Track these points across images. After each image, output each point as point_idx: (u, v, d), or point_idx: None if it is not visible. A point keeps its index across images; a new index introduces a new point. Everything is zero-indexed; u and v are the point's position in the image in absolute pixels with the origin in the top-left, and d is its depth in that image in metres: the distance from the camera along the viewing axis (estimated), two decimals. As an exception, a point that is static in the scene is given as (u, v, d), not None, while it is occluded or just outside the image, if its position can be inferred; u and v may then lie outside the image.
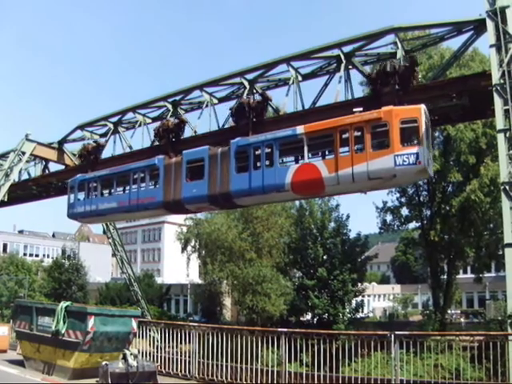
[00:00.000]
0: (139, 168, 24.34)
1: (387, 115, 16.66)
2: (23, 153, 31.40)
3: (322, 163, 18.14)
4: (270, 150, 19.62)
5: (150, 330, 18.90)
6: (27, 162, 32.76)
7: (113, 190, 26.12)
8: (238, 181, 20.24)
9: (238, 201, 21.58)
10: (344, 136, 17.60)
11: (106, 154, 29.55)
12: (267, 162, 19.79)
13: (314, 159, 18.71)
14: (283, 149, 19.39)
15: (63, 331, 15.42)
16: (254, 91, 23.61)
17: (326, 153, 18.96)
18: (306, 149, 18.47)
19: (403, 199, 48.30)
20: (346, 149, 17.52)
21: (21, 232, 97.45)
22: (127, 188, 25.20)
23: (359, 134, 17.26)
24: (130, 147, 28.02)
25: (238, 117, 22.14)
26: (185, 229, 56.32)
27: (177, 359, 17.16)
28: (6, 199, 31.05)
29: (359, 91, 41.02)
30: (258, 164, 20.11)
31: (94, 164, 27.90)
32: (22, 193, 35.48)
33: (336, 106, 20.40)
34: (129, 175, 24.66)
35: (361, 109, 17.79)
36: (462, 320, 60.94)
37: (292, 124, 19.79)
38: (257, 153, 20.07)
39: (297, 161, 19.38)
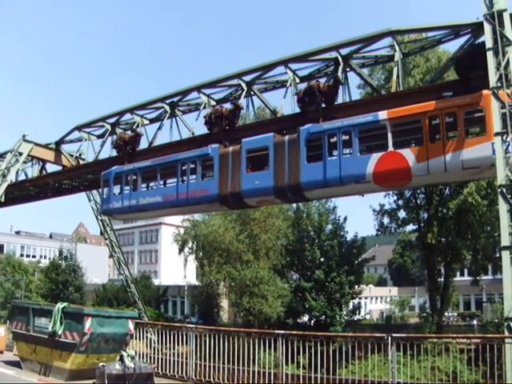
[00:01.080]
0: (189, 158, 22.47)
1: (485, 100, 15.42)
2: (20, 153, 31.31)
3: (409, 151, 16.82)
4: (347, 137, 18.13)
5: (147, 332, 18.86)
6: (24, 162, 32.63)
7: (157, 183, 24.20)
8: (309, 171, 18.58)
9: (309, 193, 20.03)
10: (434, 122, 16.51)
11: (103, 154, 29.60)
12: (345, 151, 18.33)
13: (399, 147, 17.22)
14: (363, 136, 17.93)
15: (60, 332, 15.40)
16: (252, 93, 23.66)
17: (413, 140, 17.79)
18: (389, 136, 17.10)
19: (400, 202, 48.37)
20: (437, 136, 16.46)
21: (18, 233, 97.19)
22: (174, 180, 23.37)
23: (451, 119, 16.25)
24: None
25: (308, 102, 20.12)
26: (182, 230, 56.39)
27: (174, 361, 17.14)
28: (2, 200, 30.89)
29: (357, 93, 41.22)
30: (334, 153, 18.59)
31: (130, 155, 26.09)
32: (19, 193, 35.39)
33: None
34: (176, 166, 22.83)
35: (450, 93, 17.40)
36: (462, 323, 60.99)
37: (369, 110, 18.52)
38: (332, 140, 18.49)
39: (379, 149, 17.83)
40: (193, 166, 22.29)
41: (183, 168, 22.64)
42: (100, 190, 26.75)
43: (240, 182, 20.41)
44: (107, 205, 25.87)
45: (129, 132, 25.59)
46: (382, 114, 17.31)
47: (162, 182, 24.30)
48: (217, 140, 22.25)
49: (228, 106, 23.44)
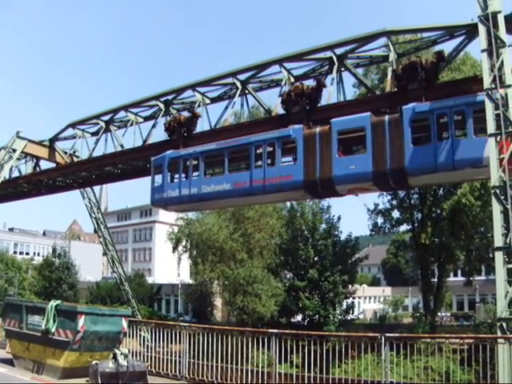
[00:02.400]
0: (266, 140, 20.24)
1: None
2: (14, 150, 31.24)
3: None
4: (460, 117, 16.54)
5: (140, 330, 18.82)
6: (18, 159, 32.55)
7: (224, 169, 21.66)
8: (415, 155, 16.91)
9: (414, 180, 18.28)
10: None
11: (97, 152, 29.52)
12: (457, 132, 16.81)
13: None
14: (479, 116, 15.76)
15: (53, 330, 15.35)
16: (247, 91, 23.67)
17: None
18: None
19: (394, 202, 48.54)
20: None
21: (11, 230, 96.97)
22: (246, 166, 21.20)
23: None
24: (122, 146, 27.88)
25: (408, 79, 18.30)
26: (176, 229, 56.31)
27: (167, 359, 17.11)
28: (-4, 196, 30.88)
29: (351, 93, 41.26)
30: (444, 135, 17.02)
31: (186, 138, 23.85)
32: (13, 190, 35.30)
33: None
34: (249, 149, 20.57)
35: None
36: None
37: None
38: (441, 121, 16.87)
39: None
40: (270, 148, 20.15)
41: (258, 151, 20.42)
42: (150, 178, 24.26)
43: (331, 166, 18.41)
44: (160, 194, 23.40)
45: (184, 112, 23.70)
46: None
47: (230, 168, 21.92)
48: (296, 121, 20.13)
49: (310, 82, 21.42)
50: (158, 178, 23.69)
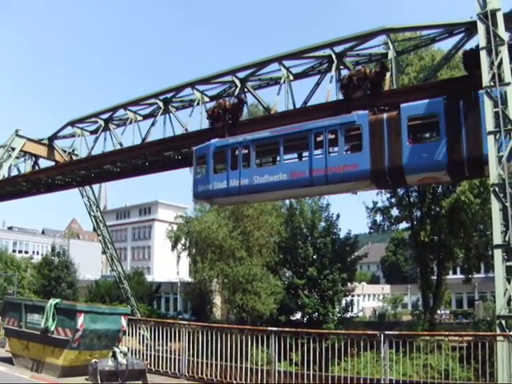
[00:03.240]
0: (327, 127, 18.75)
1: None
2: (13, 148, 31.24)
3: None
4: None
5: (139, 328, 18.83)
6: (17, 157, 32.56)
7: (280, 158, 20.17)
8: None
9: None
10: None
11: (96, 150, 29.50)
12: None
13: None
14: None
15: (52, 328, 15.33)
16: (246, 89, 23.63)
17: None
18: None
19: (393, 200, 48.52)
20: None
21: (10, 228, 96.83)
22: (304, 154, 19.80)
23: None
24: (121, 144, 27.86)
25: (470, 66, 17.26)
26: (175, 227, 56.29)
27: (166, 357, 17.11)
28: (-5, 195, 30.88)
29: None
30: None
31: (232, 126, 22.24)
32: (12, 189, 35.27)
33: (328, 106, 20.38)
34: (308, 137, 19.02)
35: None
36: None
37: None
38: None
39: None
40: (332, 136, 18.69)
41: (318, 139, 18.92)
42: (192, 169, 22.69)
43: (401, 155, 17.24)
44: (204, 186, 21.57)
45: (229, 99, 22.39)
46: None
47: (286, 157, 20.43)
48: (357, 106, 18.90)
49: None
50: (202, 169, 22.17)
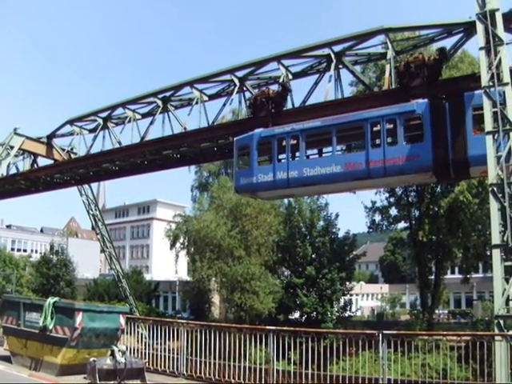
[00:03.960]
0: (384, 117, 17.69)
1: None
2: (11, 147, 31.24)
3: None
4: None
5: (138, 327, 18.88)
6: (16, 156, 32.57)
7: (332, 149, 18.82)
8: None
9: None
10: None
11: (95, 148, 29.48)
12: None
13: None
14: None
15: (51, 327, 15.35)
16: (244, 88, 23.63)
17: None
18: None
19: (392, 199, 48.56)
20: None
21: (8, 227, 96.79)
22: (360, 145, 18.94)
23: None
24: (120, 143, 27.85)
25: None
26: (174, 225, 56.29)
27: (165, 356, 17.13)
28: (-7, 193, 30.87)
29: (349, 91, 41.29)
30: None
31: (276, 115, 20.85)
32: (10, 187, 35.25)
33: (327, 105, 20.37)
34: (363, 127, 17.95)
35: None
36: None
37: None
38: None
39: None
40: (390, 126, 17.76)
41: (375, 129, 17.87)
42: (234, 162, 21.43)
43: (465, 145, 16.34)
44: (248, 179, 20.17)
45: (272, 87, 21.15)
46: None
47: (340, 148, 19.55)
48: (415, 95, 17.92)
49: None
50: (245, 161, 20.97)
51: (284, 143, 19.40)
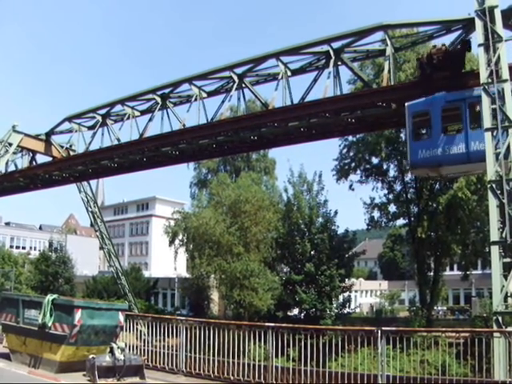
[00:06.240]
0: None
1: None
2: (10, 144, 31.24)
3: None
4: None
5: (137, 324, 18.84)
6: (14, 153, 32.57)
7: None
8: None
9: None
10: None
11: (94, 145, 29.45)
12: None
13: None
14: None
15: (50, 324, 15.34)
16: (243, 85, 23.63)
17: None
18: None
19: (391, 196, 48.54)
20: None
21: (7, 224, 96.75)
22: None
23: None
24: (118, 140, 27.84)
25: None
26: (172, 222, 56.25)
27: (164, 353, 17.13)
28: (-8, 190, 30.87)
29: (347, 88, 41.20)
30: None
31: (454, 77, 17.67)
32: (9, 184, 35.27)
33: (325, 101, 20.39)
34: None
35: None
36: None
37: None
38: None
39: None
40: None
41: None
42: (407, 132, 18.40)
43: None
44: (430, 151, 17.20)
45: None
46: None
47: None
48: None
49: None
50: (422, 131, 18.53)
51: (478, 108, 16.37)
